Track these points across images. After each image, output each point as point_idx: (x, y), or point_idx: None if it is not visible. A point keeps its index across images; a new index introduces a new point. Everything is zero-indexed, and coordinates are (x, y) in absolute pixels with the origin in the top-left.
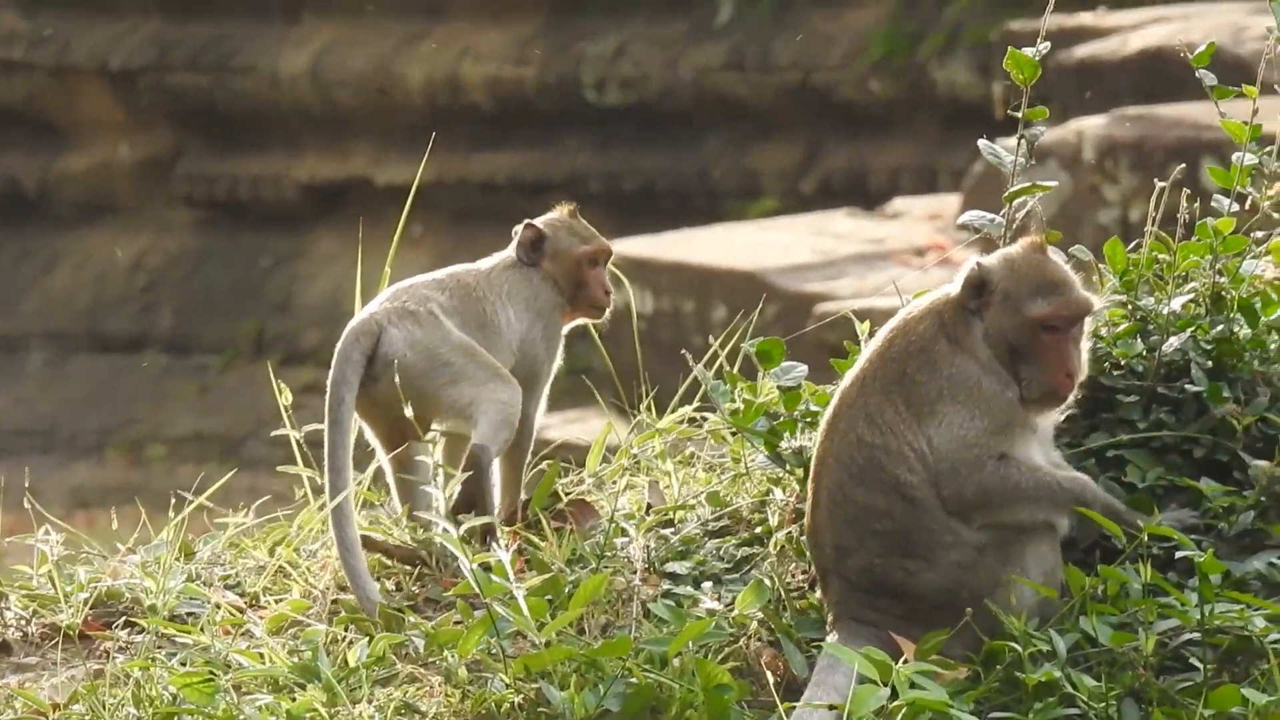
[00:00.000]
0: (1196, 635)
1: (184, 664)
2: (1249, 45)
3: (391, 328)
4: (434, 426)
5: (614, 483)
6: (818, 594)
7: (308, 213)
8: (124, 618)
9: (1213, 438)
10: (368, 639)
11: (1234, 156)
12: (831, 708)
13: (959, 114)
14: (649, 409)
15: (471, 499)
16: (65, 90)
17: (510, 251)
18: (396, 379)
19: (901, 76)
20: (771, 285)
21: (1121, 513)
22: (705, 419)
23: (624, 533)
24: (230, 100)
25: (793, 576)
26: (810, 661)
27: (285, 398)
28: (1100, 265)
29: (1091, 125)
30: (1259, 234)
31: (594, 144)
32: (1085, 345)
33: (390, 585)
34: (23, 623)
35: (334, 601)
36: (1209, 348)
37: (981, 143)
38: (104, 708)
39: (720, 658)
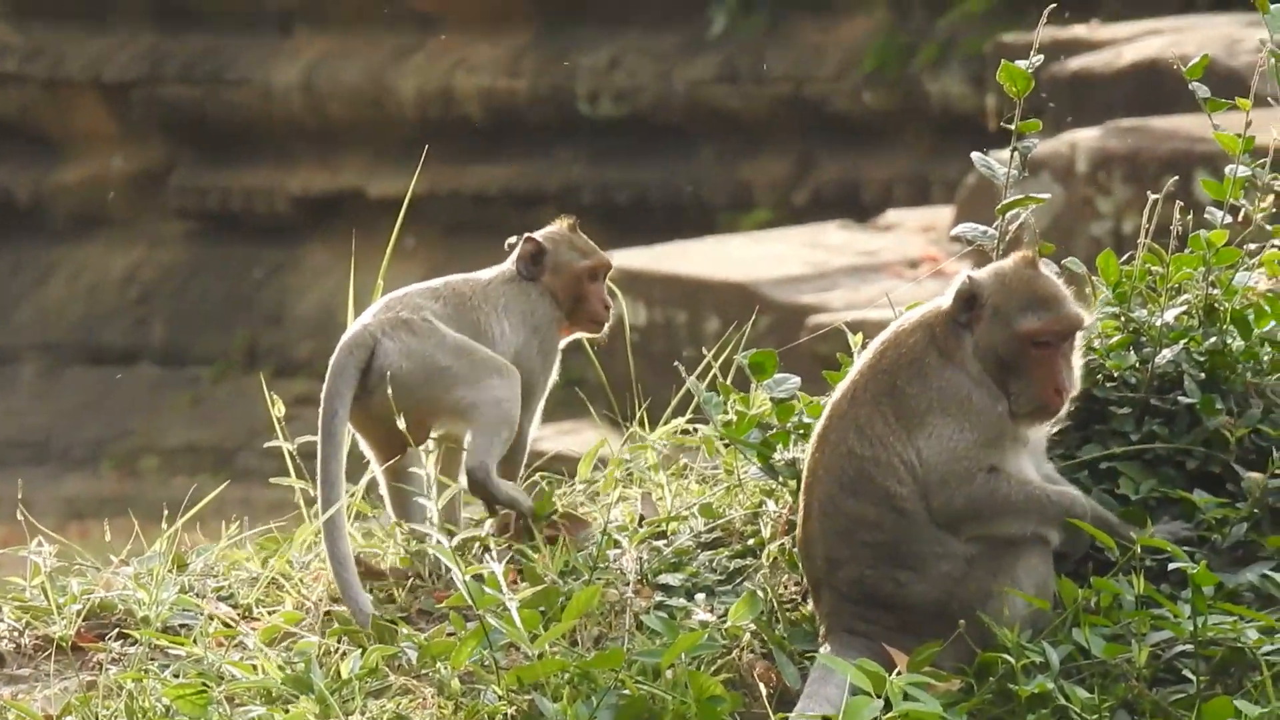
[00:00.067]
0: (1189, 647)
1: (177, 675)
2: (1242, 58)
3: (386, 339)
4: (432, 434)
5: (607, 494)
6: (810, 606)
7: (300, 225)
8: (117, 629)
9: (1206, 450)
10: (360, 651)
11: (1227, 169)
12: (825, 719)
13: (952, 126)
14: (642, 421)
15: (494, 508)
16: (59, 103)
17: (509, 265)
18: (390, 391)
19: (895, 88)
20: (764, 297)
21: (1114, 525)
22: (698, 431)
23: (617, 544)
24: (223, 112)
25: (785, 588)
26: (803, 673)
27: (278, 409)
28: (1093, 277)
29: (1085, 137)
30: (1252, 246)
31: (587, 156)
32: (1078, 360)
33: (383, 597)
34: (16, 634)
35: (327, 613)
36: (1202, 360)
37: (975, 155)
38: (97, 719)
39: (713, 669)
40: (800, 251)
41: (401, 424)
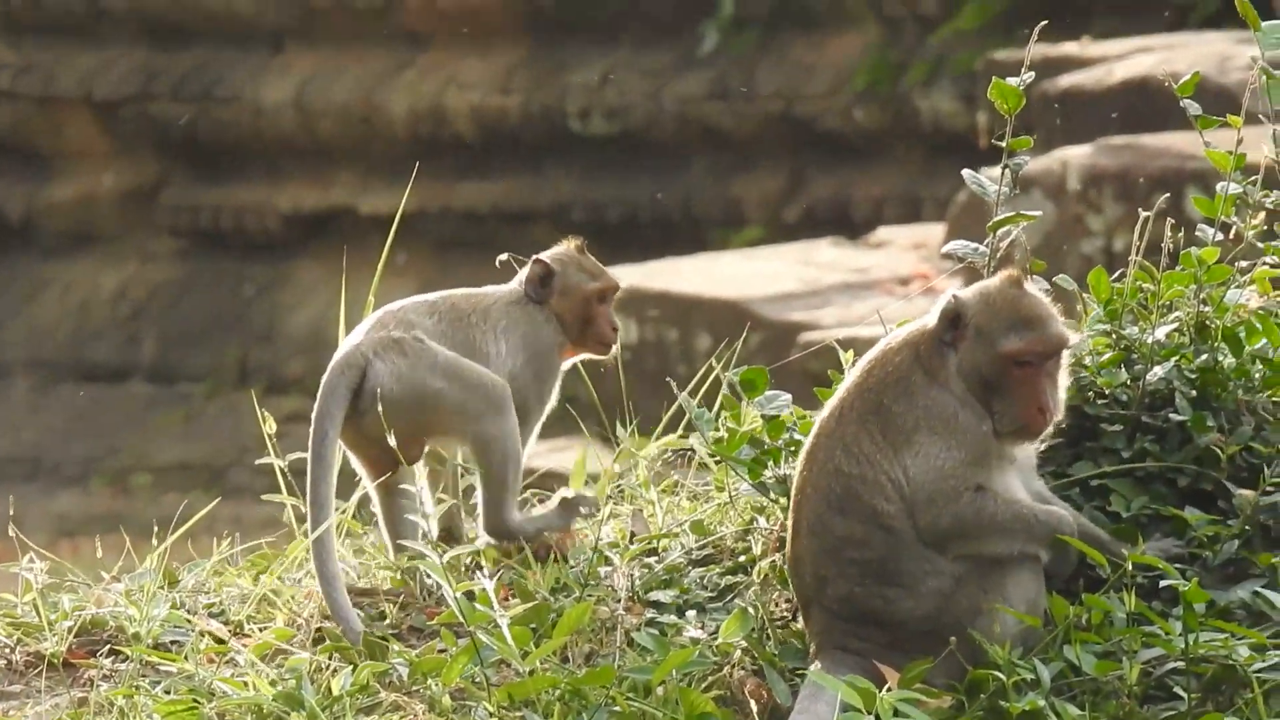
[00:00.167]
0: (1181, 664)
1: (168, 692)
2: (1234, 75)
3: (377, 360)
4: (426, 451)
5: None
6: (801, 623)
7: (291, 242)
8: (108, 646)
9: (1197, 467)
10: (352, 667)
11: (1218, 186)
12: None
13: (943, 143)
14: (633, 438)
15: (535, 539)
16: (50, 120)
17: (516, 284)
18: (381, 412)
19: (886, 106)
20: (756, 314)
21: (1105, 542)
22: (690, 448)
23: (608, 561)
24: (214, 130)
25: (776, 605)
26: (794, 690)
27: (269, 426)
28: (1084, 295)
29: (1076, 155)
30: (1243, 263)
31: (578, 173)
32: (1064, 379)
33: (374, 614)
34: (7, 651)
35: (318, 630)
36: (1193, 377)
37: (966, 172)
38: None
39: (704, 686)
40: (791, 269)
41: (392, 440)
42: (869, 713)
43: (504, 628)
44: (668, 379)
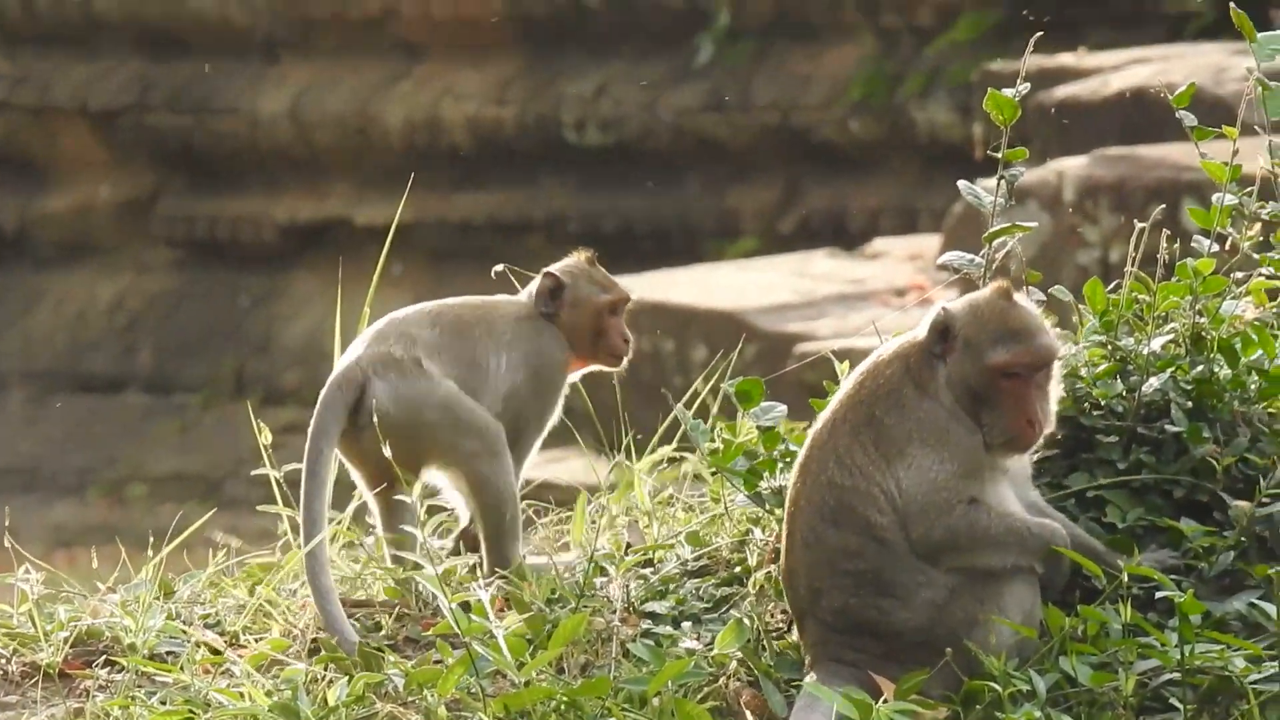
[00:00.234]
0: (1177, 675)
1: (164, 703)
2: (1229, 86)
3: (376, 379)
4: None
5: (593, 522)
6: (796, 634)
7: (287, 253)
8: (104, 656)
9: (1193, 478)
10: (347, 678)
11: (1214, 197)
12: None
13: (939, 154)
14: (629, 449)
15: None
16: (46, 130)
17: (524, 296)
18: (379, 431)
19: (881, 117)
20: (751, 325)
21: (1101, 553)
22: (685, 459)
23: (604, 572)
24: (210, 141)
25: (772, 616)
26: (789, 701)
27: (265, 437)
28: (1080, 306)
29: (1072, 166)
30: (1239, 275)
31: (573, 184)
32: (1055, 391)
33: (370, 625)
34: (3, 661)
35: (314, 640)
36: (1189, 388)
37: (961, 183)
38: None
39: (699, 697)
40: (787, 280)
41: (388, 451)
42: None
43: (500, 639)
44: (663, 390)
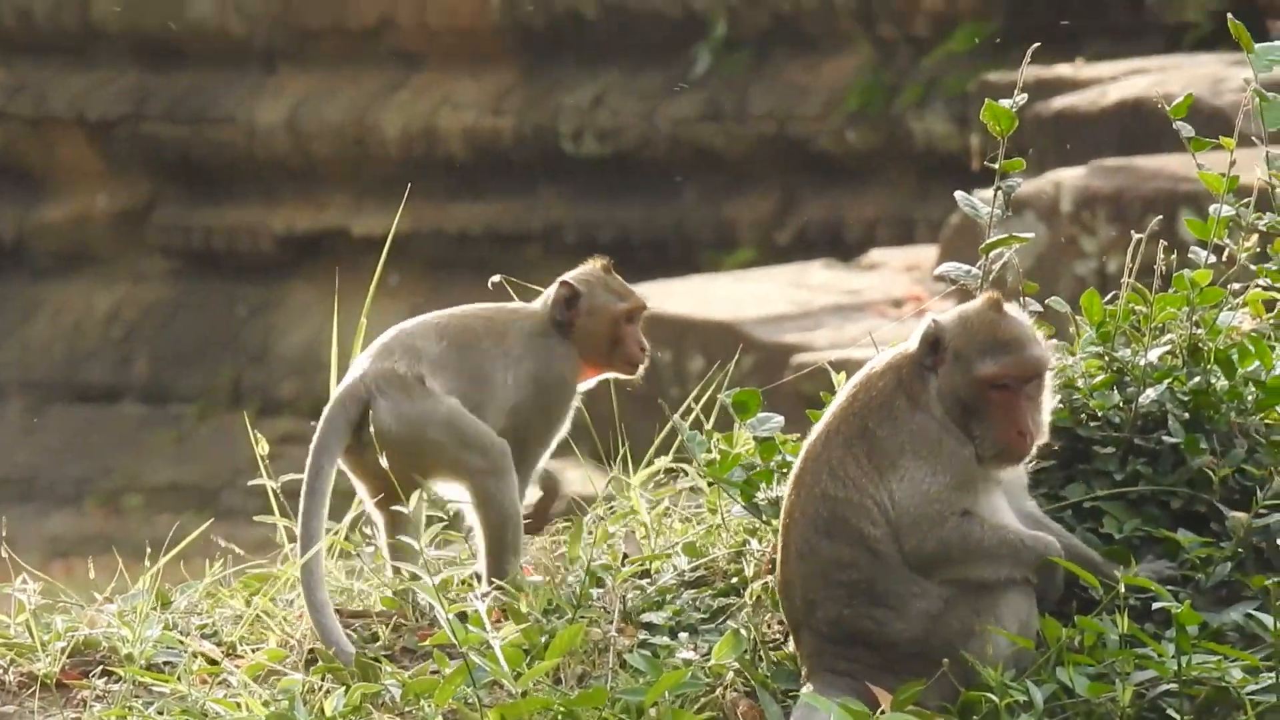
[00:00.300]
0: (1174, 686)
1: (161, 713)
2: (1227, 96)
3: (380, 397)
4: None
5: (589, 533)
6: (792, 645)
7: (284, 263)
8: (101, 666)
9: (1190, 489)
10: (344, 688)
11: (1211, 208)
12: None
13: (936, 165)
14: (626, 460)
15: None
16: (43, 140)
17: (539, 305)
18: (380, 448)
19: (878, 127)
20: (748, 336)
21: (1097, 564)
22: (683, 471)
23: (600, 583)
24: (207, 151)
25: (769, 627)
26: (786, 711)
27: (262, 448)
28: (1077, 316)
29: (1069, 177)
30: (1236, 286)
31: (570, 194)
32: (1047, 401)
33: (366, 635)
34: (0, 671)
35: (310, 651)
36: (1186, 399)
37: (958, 194)
38: None
39: (696, 708)
40: (784, 291)
41: (384, 461)
42: None
43: (497, 649)
44: (660, 401)
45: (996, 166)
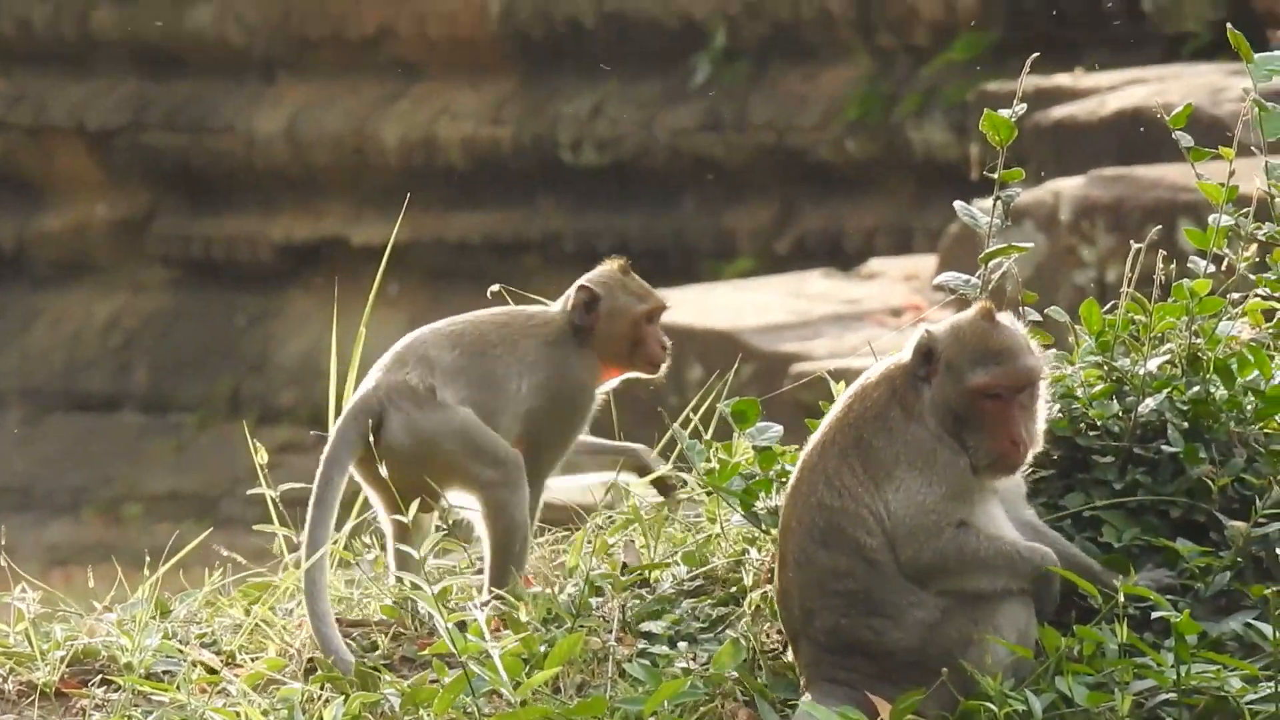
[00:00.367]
0: (1173, 695)
1: None
2: (1226, 106)
3: (392, 409)
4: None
5: (589, 542)
6: (791, 655)
7: (283, 272)
8: (101, 675)
9: (1189, 499)
10: (344, 697)
11: (1210, 218)
12: None
13: (935, 175)
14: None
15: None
16: (42, 149)
17: (557, 309)
18: (391, 461)
19: (877, 137)
20: (748, 345)
21: (1096, 573)
22: (682, 480)
23: (599, 592)
24: (206, 160)
25: (768, 636)
26: None
27: (261, 457)
28: (1076, 326)
29: (1068, 186)
30: (1235, 295)
31: (569, 204)
32: (1042, 410)
33: (366, 644)
34: (0, 680)
35: (310, 660)
36: (1185, 409)
37: (957, 204)
38: None
39: (695, 717)
40: (783, 300)
41: (384, 471)
42: None
43: (496, 658)
44: (659, 409)
45: (995, 176)
